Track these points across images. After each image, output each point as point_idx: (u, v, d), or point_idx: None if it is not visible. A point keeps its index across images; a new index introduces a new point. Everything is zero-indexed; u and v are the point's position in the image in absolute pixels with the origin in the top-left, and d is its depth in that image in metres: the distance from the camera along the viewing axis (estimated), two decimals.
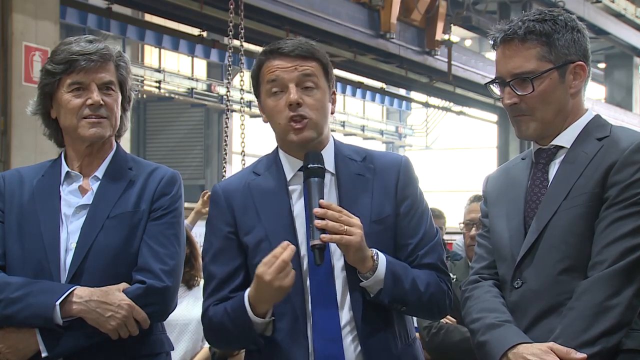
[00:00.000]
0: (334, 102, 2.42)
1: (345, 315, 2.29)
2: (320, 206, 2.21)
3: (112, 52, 2.50)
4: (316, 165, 2.29)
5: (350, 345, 2.28)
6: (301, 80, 2.32)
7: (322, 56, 2.38)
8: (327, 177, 2.35)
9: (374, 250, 2.27)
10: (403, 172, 2.39)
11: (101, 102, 2.44)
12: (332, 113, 2.42)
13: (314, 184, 2.27)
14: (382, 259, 2.26)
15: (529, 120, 2.30)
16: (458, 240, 8.01)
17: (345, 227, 2.19)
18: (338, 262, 2.30)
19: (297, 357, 2.27)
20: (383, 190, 2.36)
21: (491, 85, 2.37)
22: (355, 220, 2.22)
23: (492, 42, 2.34)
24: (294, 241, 2.26)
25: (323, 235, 2.17)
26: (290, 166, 2.39)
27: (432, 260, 2.37)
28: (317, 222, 2.18)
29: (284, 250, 2.17)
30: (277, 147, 2.46)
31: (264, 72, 2.35)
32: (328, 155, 2.38)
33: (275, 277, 2.16)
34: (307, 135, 2.32)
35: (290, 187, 2.37)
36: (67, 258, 2.41)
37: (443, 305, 2.38)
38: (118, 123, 2.52)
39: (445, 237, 7.86)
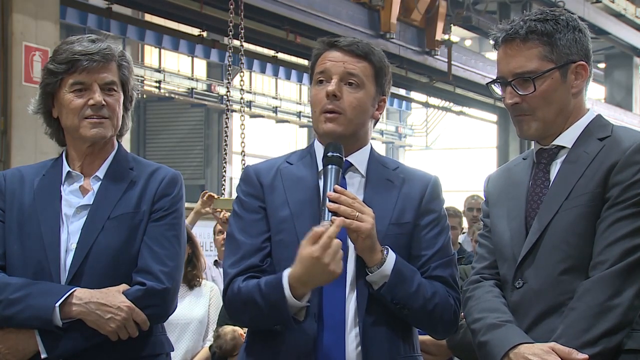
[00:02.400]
0: (379, 108, 2.45)
1: (351, 304, 2.30)
2: (335, 191, 2.24)
3: (114, 52, 2.48)
4: (335, 154, 2.32)
5: (350, 335, 2.28)
6: (345, 76, 2.36)
7: (377, 60, 2.41)
8: (357, 178, 2.40)
9: (387, 247, 2.28)
10: (431, 188, 2.42)
11: (103, 102, 2.43)
12: (375, 118, 2.45)
13: (330, 170, 2.30)
14: (391, 255, 2.28)
15: (530, 120, 2.29)
16: (460, 239, 8.02)
17: (357, 213, 2.22)
18: (352, 255, 2.31)
19: (294, 338, 2.27)
20: (408, 199, 2.38)
21: (492, 85, 2.36)
22: (368, 209, 2.25)
23: (493, 42, 2.34)
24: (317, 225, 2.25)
25: (334, 217, 2.20)
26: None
27: (443, 274, 2.37)
28: (330, 205, 2.22)
29: (326, 230, 2.16)
30: (314, 140, 2.50)
31: (319, 62, 2.41)
32: (362, 158, 2.42)
33: (332, 260, 2.15)
34: (335, 129, 2.36)
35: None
36: (67, 259, 2.40)
37: (448, 319, 2.36)
38: (120, 123, 2.52)
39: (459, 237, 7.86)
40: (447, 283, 2.37)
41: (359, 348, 2.28)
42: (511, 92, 2.29)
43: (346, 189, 2.33)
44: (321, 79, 2.39)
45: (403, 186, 2.40)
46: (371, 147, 2.48)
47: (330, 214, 2.21)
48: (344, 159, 2.34)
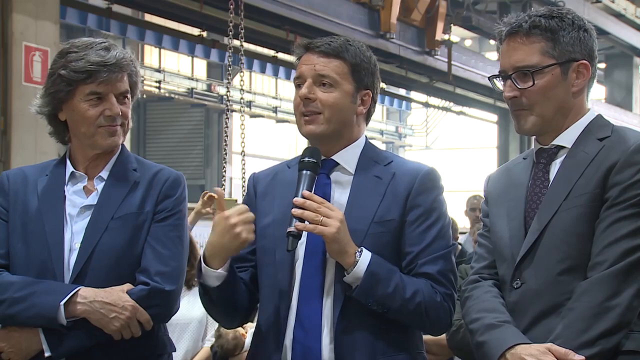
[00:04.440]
0: (364, 102, 2.42)
1: (327, 308, 2.29)
2: (303, 196, 2.24)
3: (128, 61, 2.48)
4: (311, 160, 2.32)
5: (326, 339, 2.28)
6: (317, 78, 2.36)
7: (352, 55, 2.38)
8: (345, 177, 2.39)
9: (362, 249, 2.26)
10: (419, 181, 2.36)
11: (120, 112, 2.45)
12: (360, 114, 2.42)
13: (303, 176, 2.30)
14: (365, 257, 2.25)
15: (528, 114, 2.29)
16: (461, 239, 8.03)
17: (322, 217, 2.22)
18: (332, 260, 2.30)
19: (270, 343, 2.31)
20: (395, 195, 2.34)
21: (494, 79, 2.36)
22: (336, 213, 2.24)
23: (498, 37, 2.33)
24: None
25: (297, 224, 2.21)
26: None
27: (430, 270, 2.32)
28: (294, 211, 2.22)
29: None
30: None
31: (297, 67, 2.42)
32: (350, 156, 2.40)
33: (240, 221, 2.24)
34: (314, 129, 2.36)
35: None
36: (71, 258, 2.41)
37: (435, 317, 2.31)
38: (129, 128, 2.53)
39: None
40: (434, 279, 2.31)
41: (333, 352, 2.27)
42: (510, 86, 2.29)
43: (330, 189, 2.35)
44: (298, 83, 2.39)
45: (391, 182, 2.36)
46: (365, 143, 2.44)
47: (295, 220, 2.22)
48: (319, 164, 2.34)
